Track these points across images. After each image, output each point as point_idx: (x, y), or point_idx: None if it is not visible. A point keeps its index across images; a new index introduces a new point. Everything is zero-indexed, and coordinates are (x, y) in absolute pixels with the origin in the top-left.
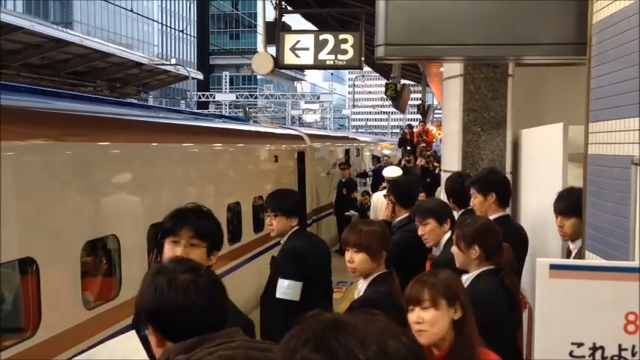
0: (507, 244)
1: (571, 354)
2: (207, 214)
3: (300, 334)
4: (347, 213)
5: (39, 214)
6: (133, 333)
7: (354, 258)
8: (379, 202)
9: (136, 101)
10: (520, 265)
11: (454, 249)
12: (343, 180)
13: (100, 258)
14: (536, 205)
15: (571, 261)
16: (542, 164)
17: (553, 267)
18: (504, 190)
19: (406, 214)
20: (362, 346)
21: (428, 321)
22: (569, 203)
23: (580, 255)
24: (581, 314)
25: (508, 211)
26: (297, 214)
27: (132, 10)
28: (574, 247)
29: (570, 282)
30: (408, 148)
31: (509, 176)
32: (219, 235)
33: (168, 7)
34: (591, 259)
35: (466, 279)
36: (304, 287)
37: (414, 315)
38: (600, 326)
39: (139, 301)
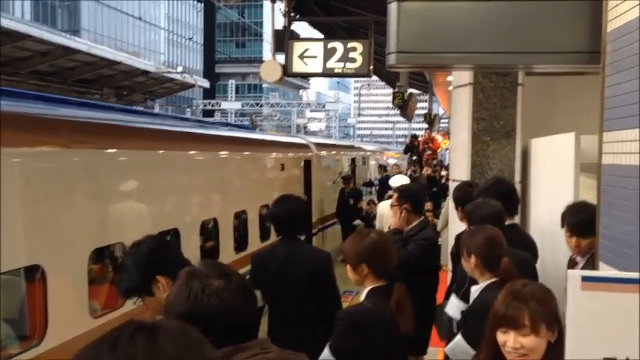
0: (507, 259)
1: None
2: (120, 268)
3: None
4: (354, 222)
5: (47, 221)
6: None
7: (347, 269)
8: (385, 211)
9: (142, 109)
10: (534, 274)
11: (461, 257)
12: (348, 190)
13: (107, 266)
14: (545, 215)
15: (603, 273)
16: (553, 174)
17: (585, 279)
18: (511, 198)
19: (416, 222)
20: None
21: (528, 347)
22: (587, 223)
23: (593, 267)
24: (614, 328)
25: (517, 219)
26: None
27: (140, 18)
28: (581, 259)
29: (603, 295)
30: (414, 157)
31: (518, 186)
32: (140, 276)
33: (175, 16)
34: (605, 271)
35: (475, 290)
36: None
37: (511, 339)
38: (633, 340)
39: (169, 304)
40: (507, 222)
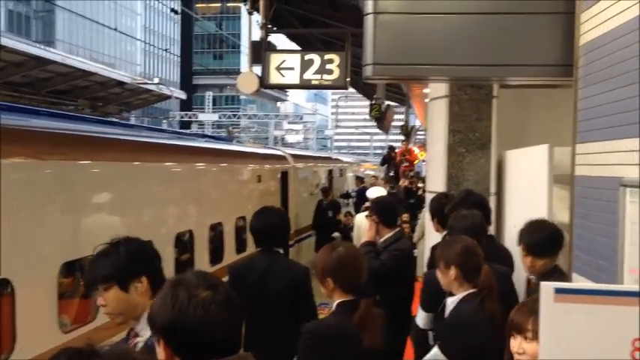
0: (487, 267)
1: None
2: (105, 252)
3: None
4: (333, 235)
5: (16, 234)
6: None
7: None
8: (362, 223)
9: (117, 120)
10: (511, 285)
11: (437, 270)
12: (325, 202)
13: (77, 279)
14: (520, 226)
15: (576, 285)
16: (527, 186)
17: (558, 291)
18: (484, 209)
19: (391, 234)
20: None
21: (529, 353)
22: (543, 244)
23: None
24: (587, 340)
25: (492, 229)
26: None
27: (115, 29)
28: (535, 278)
29: (576, 307)
30: (392, 174)
31: (493, 197)
32: (126, 265)
33: (152, 27)
34: (578, 282)
35: (451, 302)
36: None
37: (516, 344)
38: (606, 353)
39: (153, 312)
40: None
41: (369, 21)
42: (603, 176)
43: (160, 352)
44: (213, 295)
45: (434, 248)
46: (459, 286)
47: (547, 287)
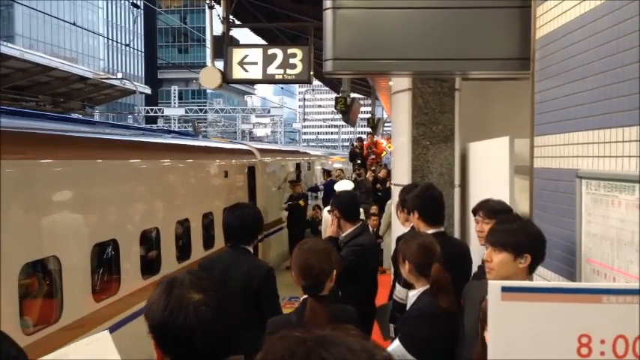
0: (438, 264)
1: None
2: None
3: (284, 350)
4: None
5: None
6: (105, 333)
7: None
8: (329, 217)
9: (80, 116)
10: (461, 280)
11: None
12: (295, 195)
13: (40, 280)
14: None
15: (523, 283)
16: (490, 177)
17: (505, 289)
18: (428, 209)
19: (352, 228)
20: (353, 356)
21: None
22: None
23: None
24: (534, 337)
25: (456, 222)
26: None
27: (74, 24)
28: None
29: (523, 304)
30: (359, 161)
31: (457, 189)
32: None
33: (115, 21)
34: (538, 272)
35: (412, 295)
36: None
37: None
38: (553, 349)
39: (147, 311)
40: (435, 230)
41: (328, 16)
42: (560, 168)
43: (154, 349)
44: (205, 298)
45: (399, 239)
46: (416, 280)
47: (494, 286)
